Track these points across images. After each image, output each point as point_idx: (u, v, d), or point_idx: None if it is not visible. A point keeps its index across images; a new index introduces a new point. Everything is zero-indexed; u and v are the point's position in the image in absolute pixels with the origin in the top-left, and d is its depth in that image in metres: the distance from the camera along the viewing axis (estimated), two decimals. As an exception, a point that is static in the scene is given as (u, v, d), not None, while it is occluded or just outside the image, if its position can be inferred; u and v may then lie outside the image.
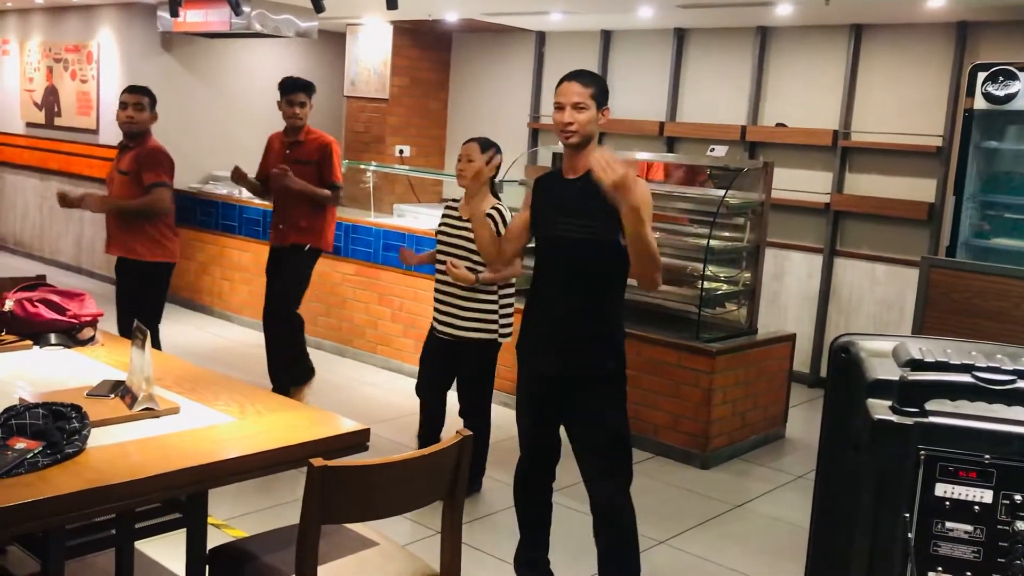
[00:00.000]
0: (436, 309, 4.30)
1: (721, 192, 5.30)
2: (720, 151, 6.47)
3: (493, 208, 4.10)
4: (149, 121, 5.02)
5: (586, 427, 3.20)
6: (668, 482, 4.90)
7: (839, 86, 6.84)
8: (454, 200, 4.38)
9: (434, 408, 4.49)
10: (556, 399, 3.23)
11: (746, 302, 5.66)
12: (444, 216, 4.36)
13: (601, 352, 3.14)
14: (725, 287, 5.60)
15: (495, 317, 4.20)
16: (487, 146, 4.22)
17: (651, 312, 5.54)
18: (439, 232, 4.34)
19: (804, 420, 6.00)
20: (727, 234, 5.63)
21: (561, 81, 3.15)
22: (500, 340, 4.25)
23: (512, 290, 4.31)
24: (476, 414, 4.35)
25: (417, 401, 4.59)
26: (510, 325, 4.28)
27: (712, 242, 5.30)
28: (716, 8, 6.50)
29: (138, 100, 4.96)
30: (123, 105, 4.96)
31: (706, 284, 5.35)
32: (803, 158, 7.00)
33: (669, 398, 5.21)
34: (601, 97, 3.12)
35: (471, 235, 3.98)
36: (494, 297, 4.20)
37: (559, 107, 3.11)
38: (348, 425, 2.74)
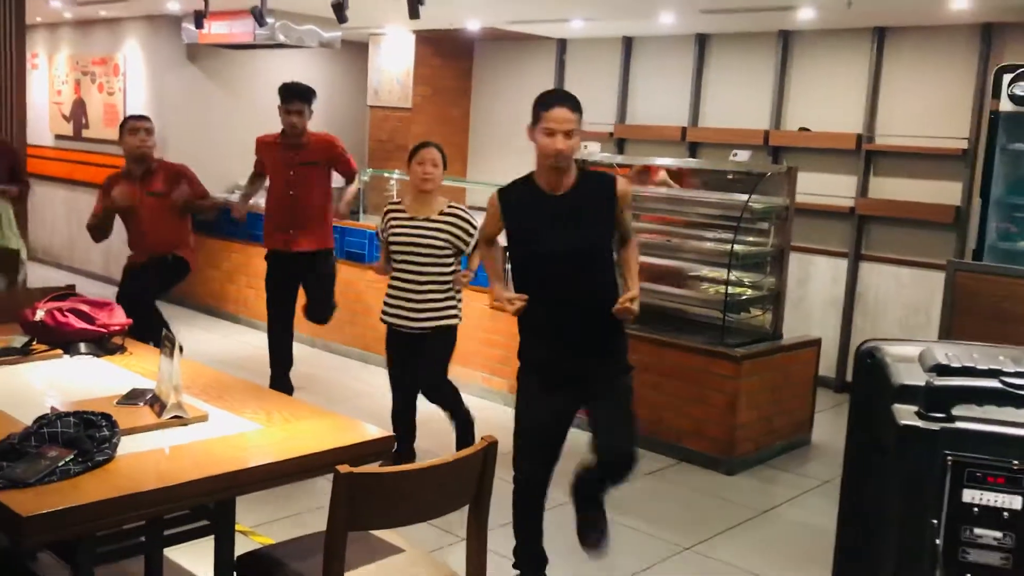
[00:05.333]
0: (400, 307, 4.44)
1: (745, 197, 5.28)
2: (743, 156, 6.44)
3: (455, 206, 4.45)
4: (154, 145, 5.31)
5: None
6: (693, 488, 4.88)
7: (863, 89, 6.80)
8: (395, 202, 4.58)
9: (410, 408, 4.68)
10: (575, 397, 3.40)
11: (771, 307, 5.63)
12: (392, 218, 4.49)
13: (618, 345, 3.41)
14: (750, 292, 5.58)
15: (454, 304, 4.50)
16: (443, 156, 4.47)
17: (676, 317, 5.53)
18: (392, 234, 4.46)
19: (830, 425, 5.96)
20: (751, 239, 5.61)
21: (549, 104, 3.19)
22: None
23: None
24: (441, 389, 4.59)
25: (439, 409, 4.64)
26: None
27: (736, 247, 5.28)
28: (738, 13, 6.48)
29: (150, 127, 5.25)
30: (135, 131, 5.13)
31: (731, 289, 5.33)
32: (827, 162, 6.96)
33: (694, 403, 5.19)
34: (582, 116, 3.23)
35: (426, 235, 4.35)
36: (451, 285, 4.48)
37: (550, 132, 3.16)
38: (373, 432, 2.75)
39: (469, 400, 4.83)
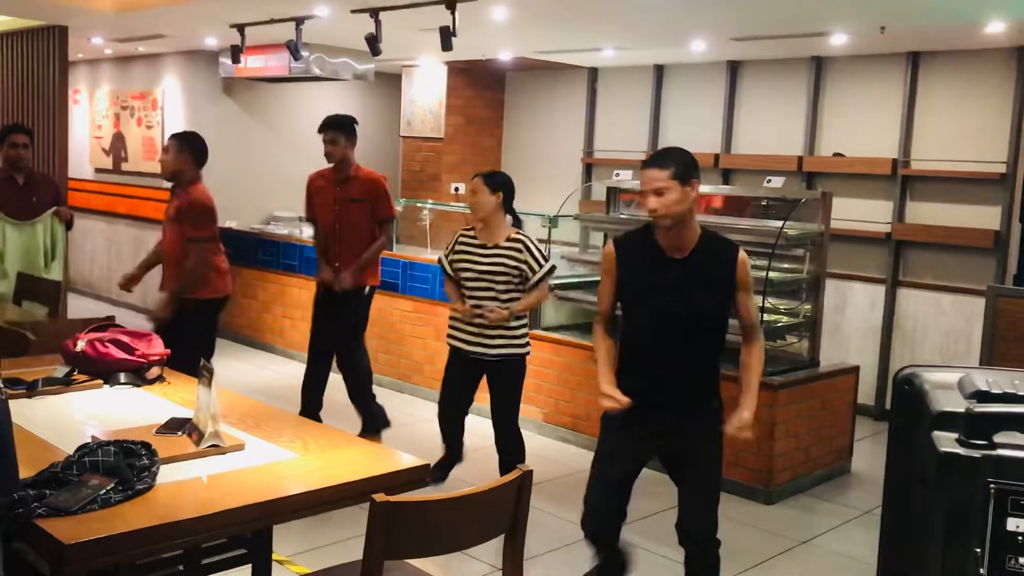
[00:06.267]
0: (466, 331, 4.47)
1: (779, 223, 5.26)
2: (777, 182, 6.43)
3: (519, 235, 4.43)
4: (176, 164, 5.03)
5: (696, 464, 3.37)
6: (731, 518, 4.82)
7: (897, 114, 6.76)
8: (467, 229, 4.55)
9: (456, 430, 4.70)
10: (671, 449, 3.38)
11: (807, 334, 5.58)
12: (461, 244, 4.50)
13: (713, 415, 3.37)
14: (785, 319, 5.53)
15: (526, 331, 4.48)
16: (495, 187, 4.44)
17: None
18: (459, 260, 4.48)
19: (870, 454, 5.87)
20: (786, 266, 5.57)
21: (644, 166, 3.18)
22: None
23: None
24: (512, 432, 4.59)
25: (486, 436, 4.64)
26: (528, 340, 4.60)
27: (771, 274, 5.25)
28: (770, 40, 6.49)
29: (168, 144, 5.13)
30: (165, 149, 5.16)
31: (766, 316, 5.29)
32: (862, 187, 6.92)
33: (730, 432, 5.14)
34: (684, 172, 3.09)
35: (496, 262, 4.37)
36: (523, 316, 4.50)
37: (644, 194, 3.12)
38: (408, 461, 2.76)
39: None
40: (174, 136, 5.20)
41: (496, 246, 4.41)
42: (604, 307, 3.35)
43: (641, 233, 3.26)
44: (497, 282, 4.39)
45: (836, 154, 7.04)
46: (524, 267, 4.40)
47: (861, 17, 5.63)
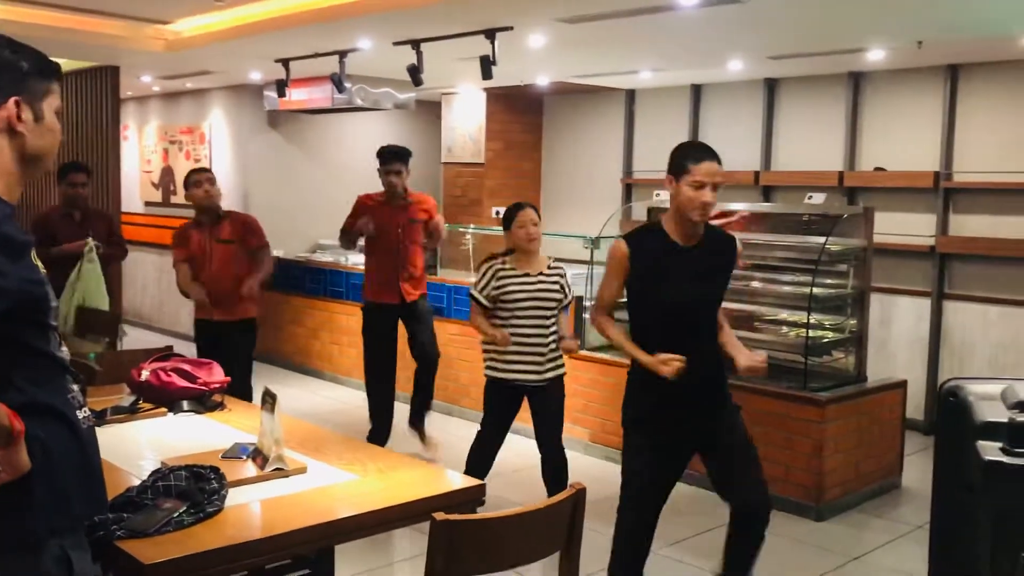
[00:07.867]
0: (527, 361, 4.46)
1: (822, 239, 5.28)
2: (818, 198, 6.43)
3: (558, 263, 4.58)
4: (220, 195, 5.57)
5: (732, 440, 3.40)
6: (781, 535, 4.82)
7: (937, 127, 6.75)
8: (499, 262, 4.52)
9: (492, 461, 4.72)
10: (691, 448, 3.41)
11: (854, 349, 5.58)
12: (503, 276, 4.46)
13: (728, 391, 3.45)
14: (831, 335, 5.54)
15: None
16: (537, 212, 4.59)
17: (755, 362, 5.50)
18: (505, 291, 4.44)
19: (920, 469, 5.84)
20: (830, 281, 5.58)
21: (699, 157, 3.19)
22: None
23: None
24: (562, 450, 4.62)
25: (528, 457, 4.69)
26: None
27: (815, 290, 5.27)
28: (807, 57, 6.53)
29: (211, 176, 5.59)
30: (198, 183, 5.44)
31: (811, 332, 5.30)
32: (904, 201, 6.90)
33: (779, 449, 5.15)
34: None
35: (547, 290, 4.45)
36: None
37: (700, 185, 3.14)
38: (463, 481, 2.84)
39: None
40: (209, 170, 5.69)
41: (540, 274, 4.48)
42: (608, 301, 3.39)
43: (647, 230, 3.39)
44: (548, 309, 4.47)
45: (877, 168, 7.04)
46: (563, 294, 4.53)
47: (897, 33, 5.66)
